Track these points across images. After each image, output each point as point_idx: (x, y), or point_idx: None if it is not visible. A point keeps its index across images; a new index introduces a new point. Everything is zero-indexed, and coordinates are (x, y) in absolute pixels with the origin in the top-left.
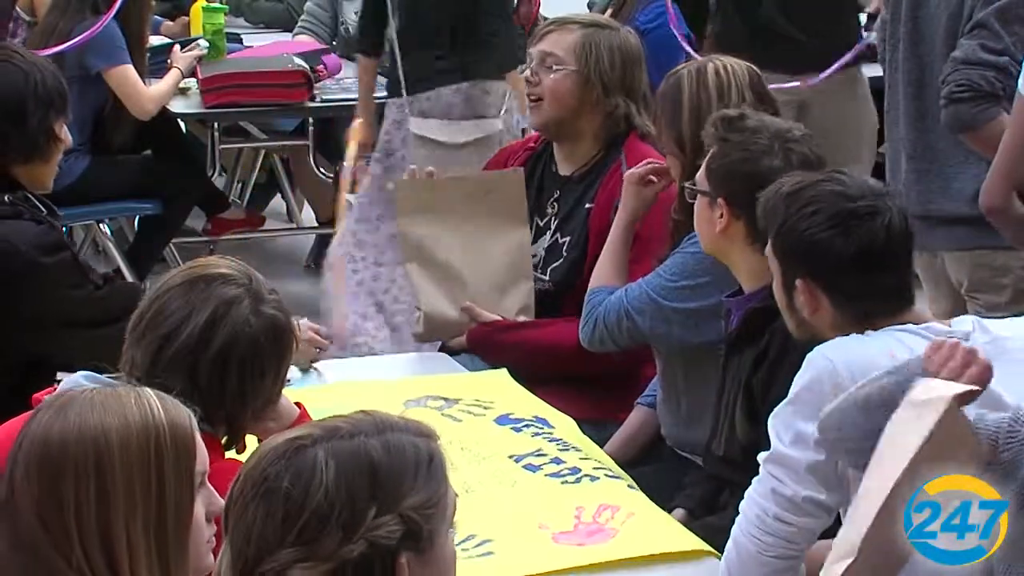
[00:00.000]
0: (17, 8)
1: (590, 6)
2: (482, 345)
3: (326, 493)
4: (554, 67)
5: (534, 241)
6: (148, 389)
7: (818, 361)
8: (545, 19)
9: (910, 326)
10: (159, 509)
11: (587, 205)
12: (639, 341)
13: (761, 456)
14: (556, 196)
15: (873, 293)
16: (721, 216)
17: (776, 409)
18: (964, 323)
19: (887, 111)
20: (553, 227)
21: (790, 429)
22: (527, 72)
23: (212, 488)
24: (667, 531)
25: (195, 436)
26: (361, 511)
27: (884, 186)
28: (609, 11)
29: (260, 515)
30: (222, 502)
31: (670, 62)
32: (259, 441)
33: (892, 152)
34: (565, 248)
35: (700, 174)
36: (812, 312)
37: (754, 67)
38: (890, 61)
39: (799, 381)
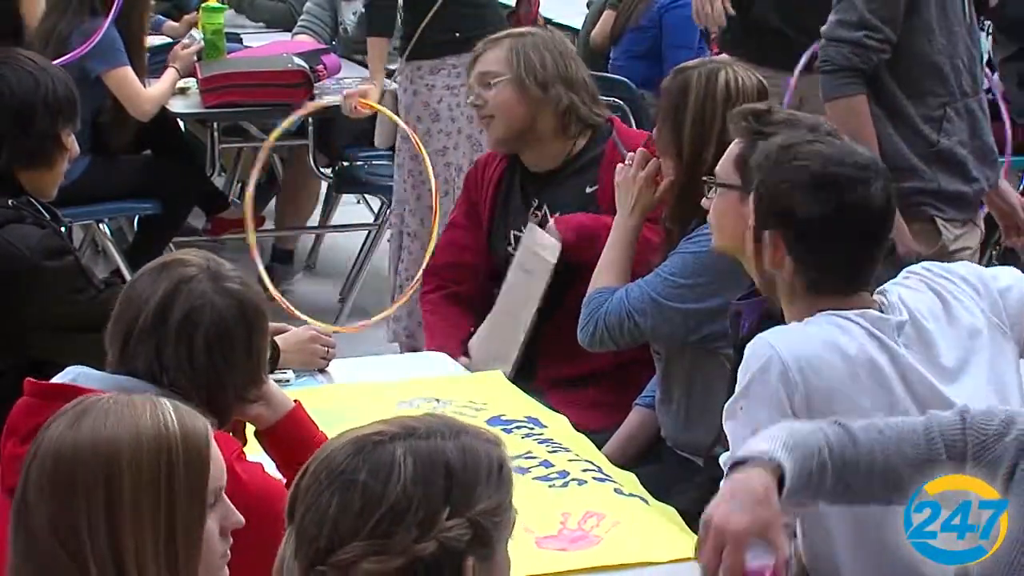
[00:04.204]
0: None
1: (589, 6)
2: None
3: (404, 489)
4: (492, 83)
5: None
6: (165, 399)
7: (762, 350)
8: (546, 20)
9: (847, 312)
10: (169, 525)
11: (588, 189)
12: (640, 341)
13: (722, 458)
14: (539, 195)
15: (829, 264)
16: None
17: (727, 407)
18: (900, 311)
19: None
20: (552, 219)
21: (747, 426)
22: (471, 97)
23: (229, 503)
24: (653, 540)
25: (210, 450)
26: (434, 512)
27: (874, 159)
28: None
29: (335, 505)
30: (240, 517)
31: (684, 43)
32: (255, 433)
33: None
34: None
35: (726, 168)
36: (777, 267)
37: (763, 81)
38: None
39: (746, 374)
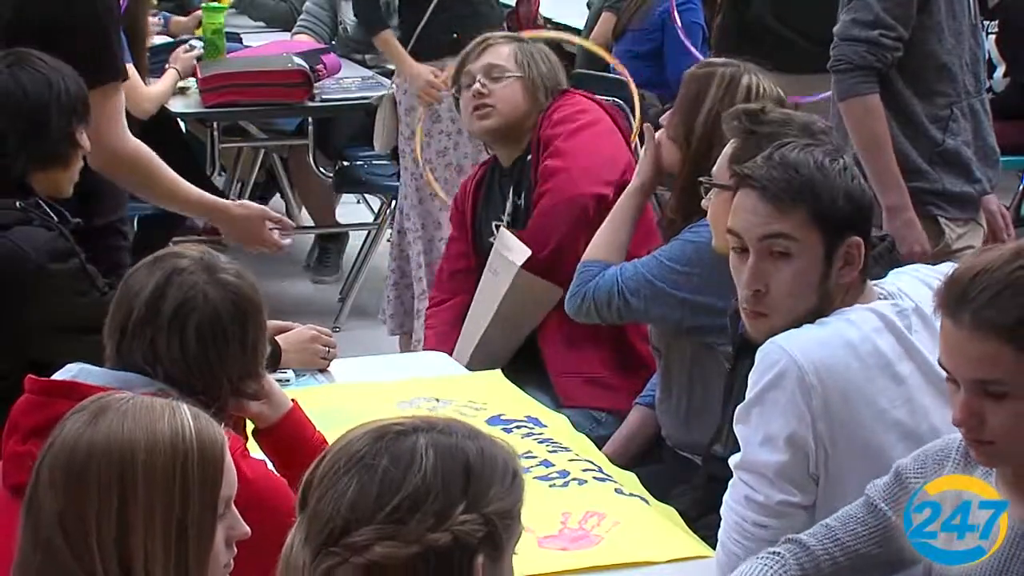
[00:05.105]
0: None
1: (589, 6)
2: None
3: (424, 478)
4: (503, 76)
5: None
6: (184, 405)
7: (776, 355)
8: (546, 19)
9: (863, 306)
10: (179, 531)
11: (528, 157)
12: (627, 320)
13: (732, 460)
14: (513, 183)
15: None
16: None
17: (739, 411)
18: (903, 298)
19: None
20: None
21: (759, 431)
22: (476, 85)
23: (236, 513)
24: (653, 540)
25: (225, 461)
26: (451, 504)
27: None
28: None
29: (354, 488)
30: (246, 527)
31: (688, 48)
32: (253, 433)
33: None
34: (522, 201)
35: (721, 169)
36: (852, 276)
37: (781, 92)
38: None
39: (760, 380)
